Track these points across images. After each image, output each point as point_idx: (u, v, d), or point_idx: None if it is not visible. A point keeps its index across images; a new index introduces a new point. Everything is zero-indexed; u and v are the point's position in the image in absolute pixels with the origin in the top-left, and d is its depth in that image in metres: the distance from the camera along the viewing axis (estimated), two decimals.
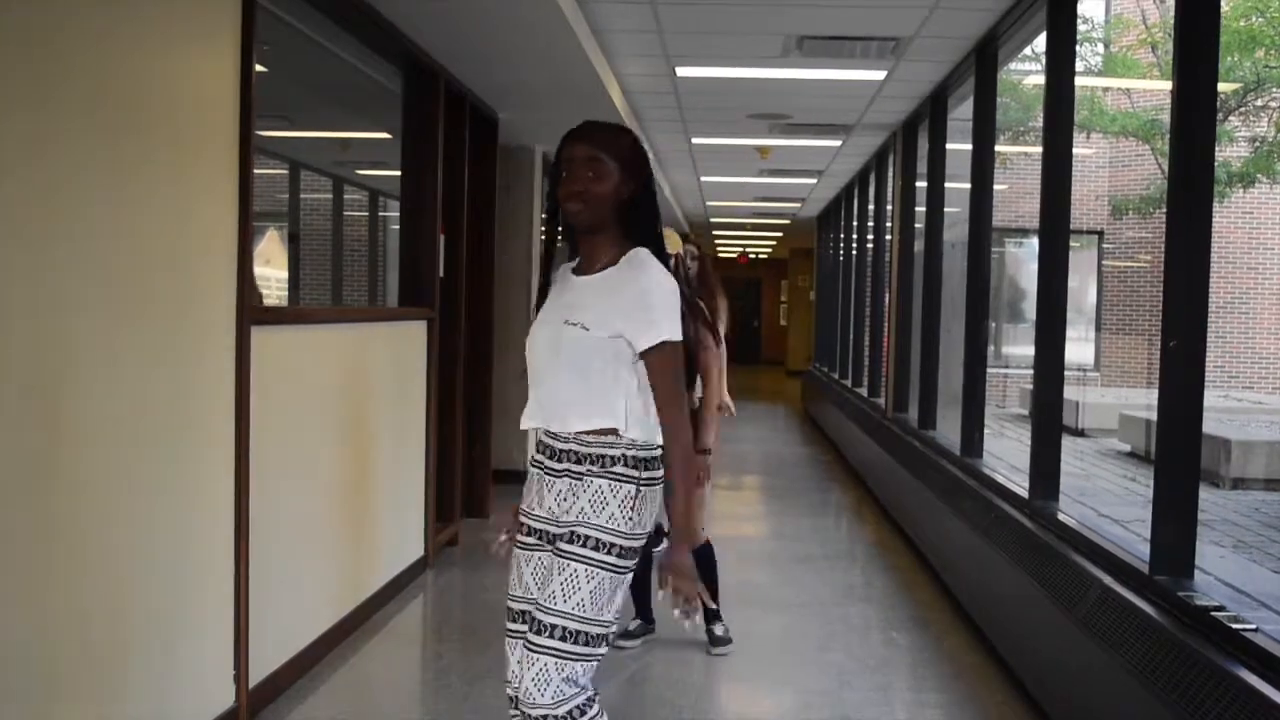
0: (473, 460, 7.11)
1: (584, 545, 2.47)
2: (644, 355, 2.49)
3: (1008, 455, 6.85)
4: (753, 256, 26.88)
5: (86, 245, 2.82)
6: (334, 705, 4.03)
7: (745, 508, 8.64)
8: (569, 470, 2.53)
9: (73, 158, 2.76)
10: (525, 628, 2.53)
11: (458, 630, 5.16)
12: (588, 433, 2.50)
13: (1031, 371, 4.89)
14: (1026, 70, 8.69)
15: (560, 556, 2.49)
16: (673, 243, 4.67)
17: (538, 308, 2.64)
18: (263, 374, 3.74)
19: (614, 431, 2.49)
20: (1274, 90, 13.52)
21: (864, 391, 10.80)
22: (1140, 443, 10.42)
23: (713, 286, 6.29)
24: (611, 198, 2.51)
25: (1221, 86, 12.18)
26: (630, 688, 4.29)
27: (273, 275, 8.56)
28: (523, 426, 2.65)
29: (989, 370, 6.24)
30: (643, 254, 2.54)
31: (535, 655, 2.44)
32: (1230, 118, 13.44)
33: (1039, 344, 4.76)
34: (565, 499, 2.54)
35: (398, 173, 5.90)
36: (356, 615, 4.81)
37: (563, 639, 2.43)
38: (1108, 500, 8.13)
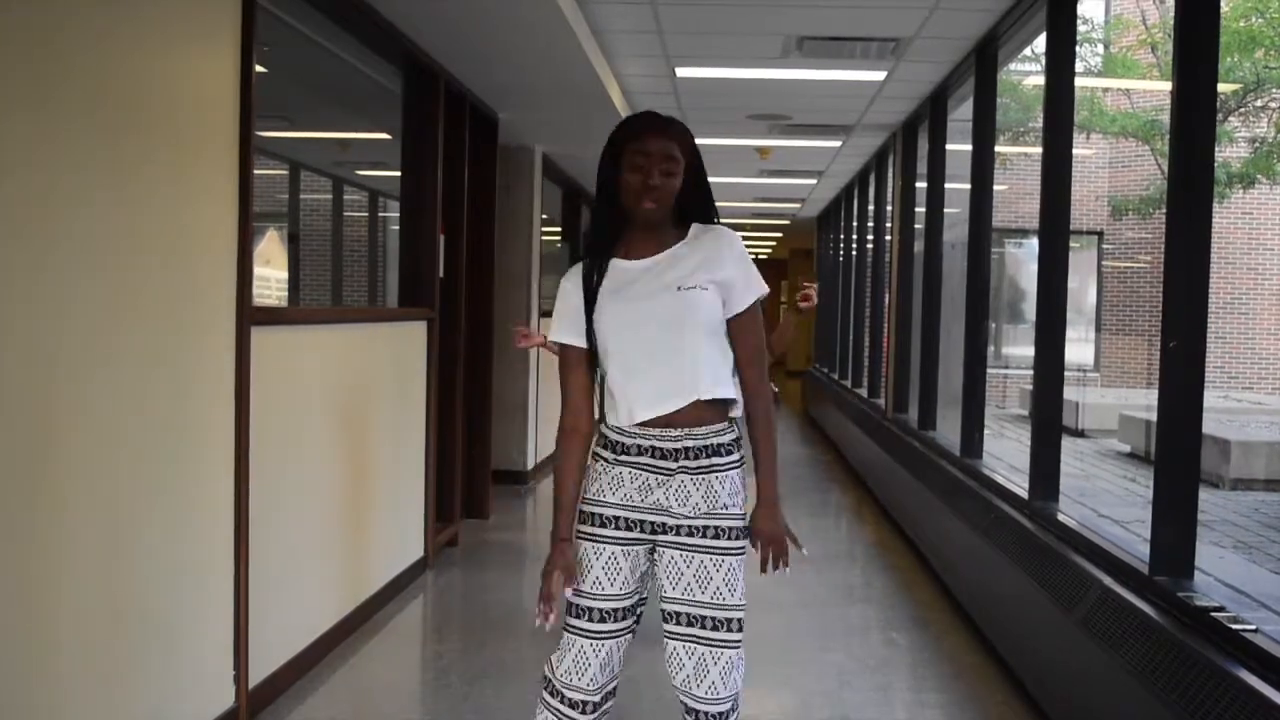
0: (473, 460, 7.11)
1: (731, 538, 2.51)
2: (740, 314, 2.57)
3: (1008, 456, 6.85)
4: (752, 256, 26.86)
5: (86, 245, 2.83)
6: (334, 706, 4.03)
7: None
8: (685, 468, 2.49)
9: (72, 158, 2.76)
10: (620, 626, 2.52)
11: (458, 630, 5.16)
12: (700, 423, 2.48)
13: (1031, 372, 4.89)
14: (1026, 71, 8.69)
15: (709, 553, 2.49)
16: None
17: (591, 299, 2.51)
18: (263, 374, 3.74)
19: (726, 411, 2.52)
20: (1274, 91, 13.52)
21: (864, 392, 10.80)
22: (1140, 443, 10.42)
23: None
24: (677, 193, 2.57)
25: (1221, 87, 12.19)
26: (630, 687, 4.29)
27: (273, 275, 8.55)
28: (640, 419, 2.49)
29: (989, 371, 6.25)
30: (713, 225, 2.64)
31: (720, 650, 2.48)
32: (1230, 118, 13.44)
33: (1039, 344, 4.76)
34: (689, 494, 2.50)
35: (398, 173, 5.90)
36: (356, 615, 4.81)
37: (739, 630, 2.51)
38: (1107, 501, 8.13)
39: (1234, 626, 2.93)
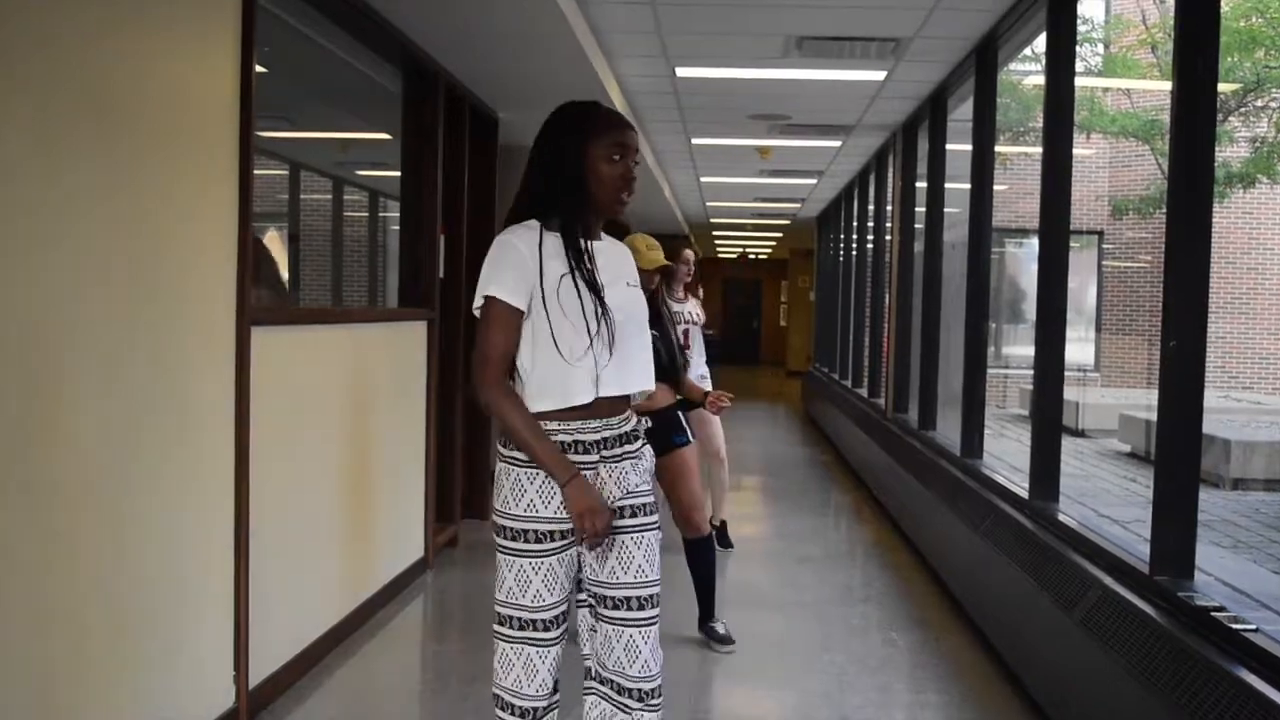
0: (473, 461, 7.11)
1: (646, 514, 2.57)
2: None
3: (1008, 456, 6.85)
4: (753, 257, 26.89)
5: (86, 245, 2.83)
6: (334, 706, 4.03)
7: (745, 508, 8.63)
8: (604, 458, 2.52)
9: (73, 157, 2.76)
10: (562, 630, 2.55)
11: (458, 631, 5.16)
12: (615, 413, 2.53)
13: (1031, 372, 4.89)
14: (1026, 71, 8.69)
15: (627, 532, 2.53)
16: (653, 257, 4.66)
17: (582, 273, 2.49)
18: (263, 375, 3.74)
19: (628, 402, 2.60)
20: (1274, 91, 13.52)
21: (864, 392, 10.80)
22: (1140, 443, 10.42)
23: (698, 289, 6.62)
24: None
25: (1221, 87, 12.18)
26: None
27: None
28: (587, 399, 2.47)
29: (989, 371, 6.25)
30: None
31: (648, 628, 2.52)
32: (1230, 118, 13.44)
33: (1039, 344, 4.76)
34: (605, 482, 2.53)
35: (398, 173, 5.90)
36: (356, 616, 4.81)
37: (658, 605, 2.56)
38: (1108, 501, 8.13)
39: (1234, 626, 2.93)
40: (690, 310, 6.41)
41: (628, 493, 2.55)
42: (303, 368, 4.28)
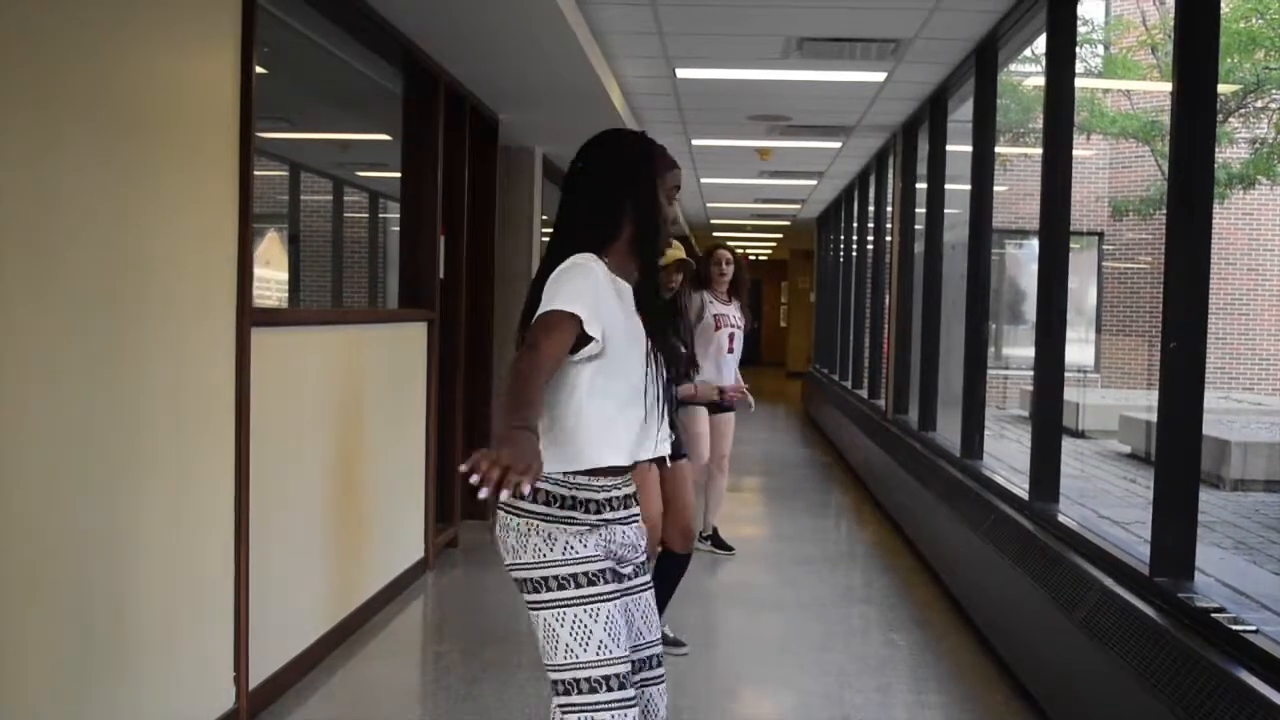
0: None
1: (649, 573, 2.50)
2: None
3: (1008, 457, 6.85)
4: (753, 258, 26.90)
5: (86, 246, 2.83)
6: (334, 707, 4.03)
7: (746, 509, 8.63)
8: (605, 520, 2.33)
9: (73, 159, 2.76)
10: (635, 693, 2.32)
11: (458, 632, 5.16)
12: (625, 472, 2.37)
13: (1031, 373, 4.89)
14: (1026, 72, 8.69)
15: (645, 590, 2.45)
16: (679, 252, 4.66)
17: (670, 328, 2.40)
18: (263, 375, 3.74)
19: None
20: (1274, 92, 13.52)
21: (864, 393, 10.80)
22: (1140, 444, 10.42)
23: (747, 289, 6.47)
24: None
25: (1221, 88, 12.18)
26: None
27: (273, 276, 8.55)
28: (614, 462, 2.30)
29: (989, 372, 6.25)
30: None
31: (664, 686, 2.47)
32: (1230, 119, 13.44)
33: (1039, 345, 4.76)
34: (625, 540, 2.39)
35: (398, 174, 5.90)
36: (356, 617, 4.81)
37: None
38: (1108, 502, 8.13)
39: (1234, 627, 2.93)
40: (733, 314, 6.32)
41: (625, 557, 2.40)
42: (303, 369, 4.28)
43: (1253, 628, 2.92)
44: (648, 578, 2.47)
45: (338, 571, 4.65)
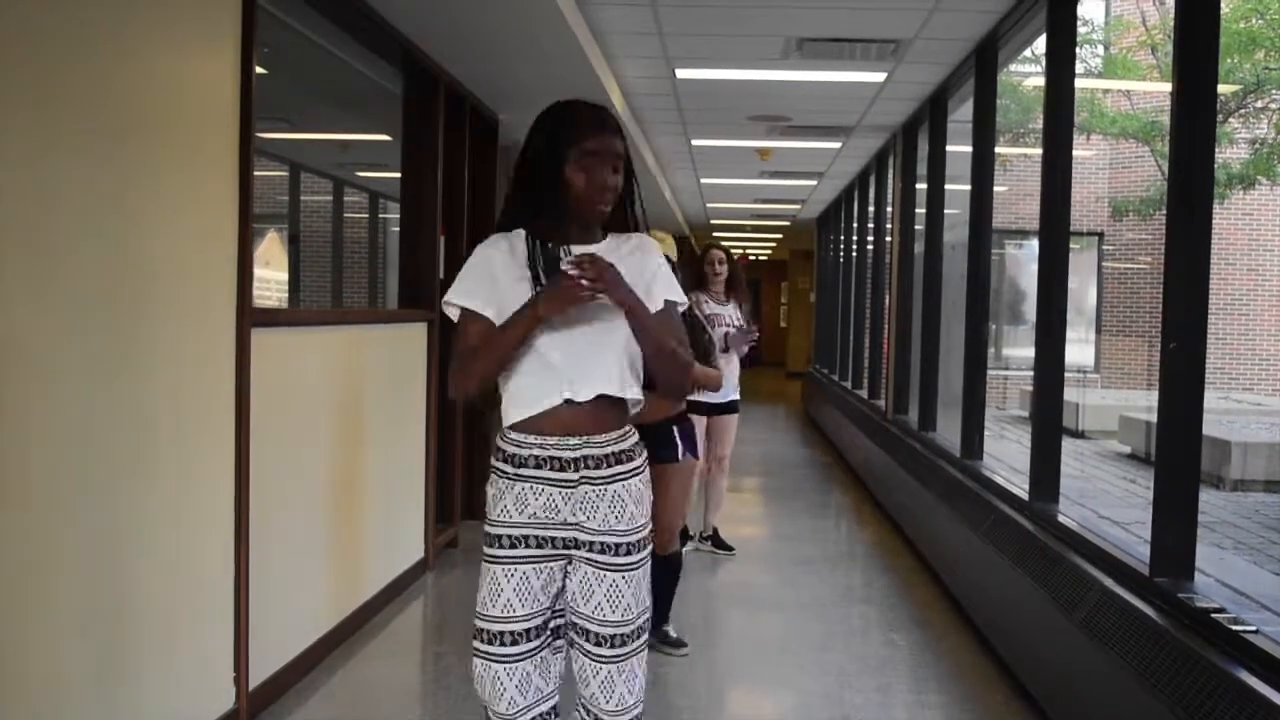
0: (473, 462, 7.10)
1: (639, 550, 2.46)
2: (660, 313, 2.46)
3: (1008, 457, 6.85)
4: (753, 258, 26.90)
5: (86, 246, 2.83)
6: (334, 707, 4.03)
7: (746, 509, 8.63)
8: (588, 479, 2.41)
9: (73, 159, 2.76)
10: (532, 645, 2.42)
11: (458, 632, 5.16)
12: (599, 430, 2.40)
13: (1031, 373, 4.89)
14: (1026, 72, 8.70)
15: (620, 571, 2.42)
16: (667, 245, 4.66)
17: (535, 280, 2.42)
18: (263, 376, 3.74)
19: (625, 416, 2.46)
20: (1274, 92, 13.52)
21: (864, 393, 10.80)
22: (1140, 444, 10.42)
23: (743, 287, 6.43)
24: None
25: (1221, 88, 12.19)
26: None
27: (273, 277, 8.55)
28: (550, 405, 2.40)
29: (989, 372, 6.25)
30: (633, 234, 2.55)
31: (625, 662, 2.43)
32: (1230, 119, 13.44)
33: (1039, 345, 4.76)
34: (596, 507, 2.42)
35: (398, 174, 5.90)
36: (356, 617, 4.81)
37: (642, 635, 2.48)
38: (1108, 502, 8.13)
39: (1234, 628, 2.93)
40: (730, 314, 6.29)
41: (617, 526, 2.42)
42: (303, 369, 4.28)
43: (1253, 628, 2.92)
44: (618, 560, 2.42)
45: (338, 572, 4.65)
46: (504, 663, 2.41)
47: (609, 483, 2.42)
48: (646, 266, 2.48)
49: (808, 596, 5.69)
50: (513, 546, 2.42)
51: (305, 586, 4.31)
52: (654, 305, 2.44)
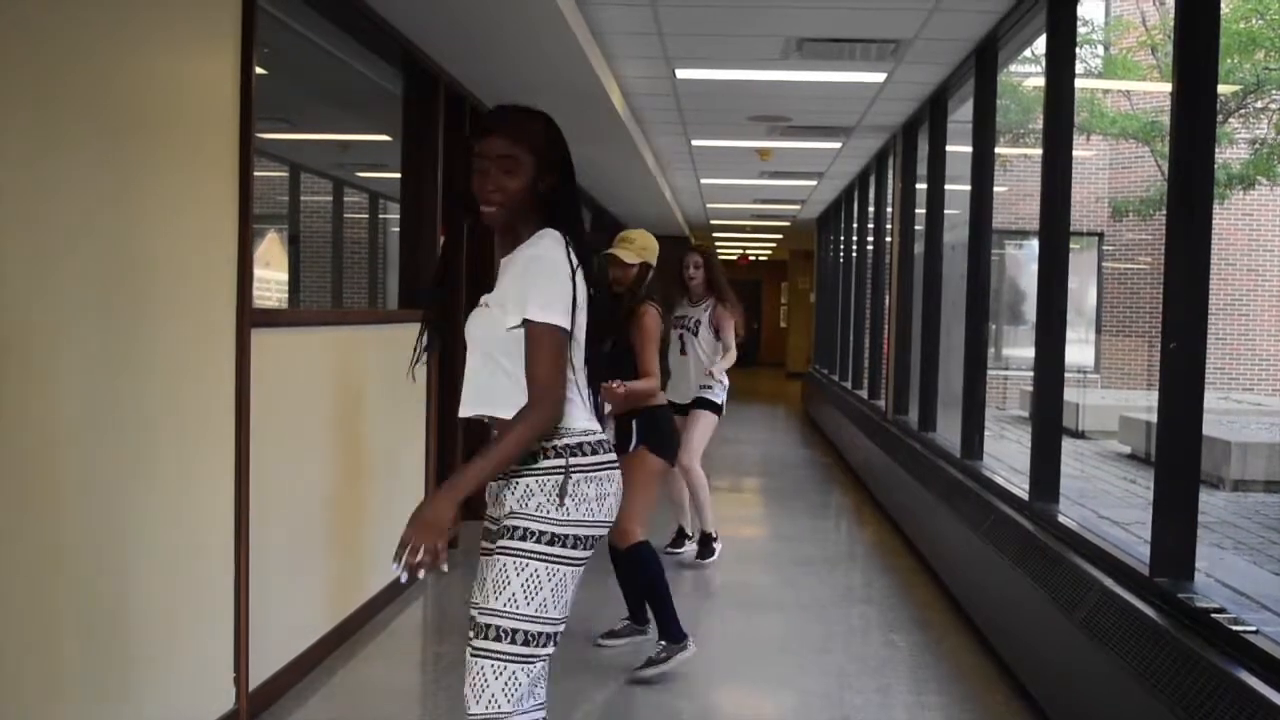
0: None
1: (511, 537, 2.39)
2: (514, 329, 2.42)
3: (1008, 457, 6.85)
4: (753, 258, 26.90)
5: (87, 246, 2.83)
6: (334, 707, 4.03)
7: (745, 509, 8.64)
8: (512, 472, 2.46)
9: (73, 159, 2.76)
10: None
11: (458, 632, 5.15)
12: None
13: (1031, 373, 4.89)
14: (1026, 72, 8.69)
15: (493, 554, 2.43)
16: (632, 246, 4.64)
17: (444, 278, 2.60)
18: (263, 376, 3.74)
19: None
20: (1273, 92, 13.52)
21: (864, 393, 10.80)
22: (1140, 445, 10.42)
23: (725, 290, 6.31)
24: (528, 193, 2.44)
25: (1221, 88, 12.19)
26: (629, 689, 4.29)
27: (273, 277, 8.55)
28: (463, 414, 2.58)
29: (989, 372, 6.25)
30: (546, 232, 2.47)
31: (473, 659, 2.34)
32: (1230, 120, 13.44)
33: (1039, 346, 4.76)
34: (502, 498, 2.49)
35: (398, 175, 5.90)
36: (356, 617, 4.81)
37: (499, 639, 2.32)
38: (1108, 502, 8.13)
39: (1234, 628, 2.93)
40: (695, 316, 6.19)
41: (509, 512, 2.44)
42: (303, 369, 4.28)
43: (1253, 628, 2.92)
44: (517, 545, 2.40)
45: (338, 572, 4.65)
46: (545, 662, 2.39)
47: (508, 477, 2.47)
48: (513, 278, 2.48)
49: (808, 597, 5.68)
50: (590, 547, 2.43)
51: (305, 587, 4.31)
52: (508, 321, 2.44)
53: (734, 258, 26.41)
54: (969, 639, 4.90)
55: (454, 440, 6.40)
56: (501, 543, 2.40)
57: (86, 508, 2.86)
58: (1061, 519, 4.39)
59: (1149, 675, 3.04)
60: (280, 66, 5.16)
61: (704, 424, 6.25)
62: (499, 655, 2.32)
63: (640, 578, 4.45)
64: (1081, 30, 5.71)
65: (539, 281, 2.39)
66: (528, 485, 2.42)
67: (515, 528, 2.39)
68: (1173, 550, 3.39)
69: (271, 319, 4.06)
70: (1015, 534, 4.56)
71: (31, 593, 2.66)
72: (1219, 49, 3.43)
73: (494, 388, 2.47)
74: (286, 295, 8.38)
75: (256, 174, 3.68)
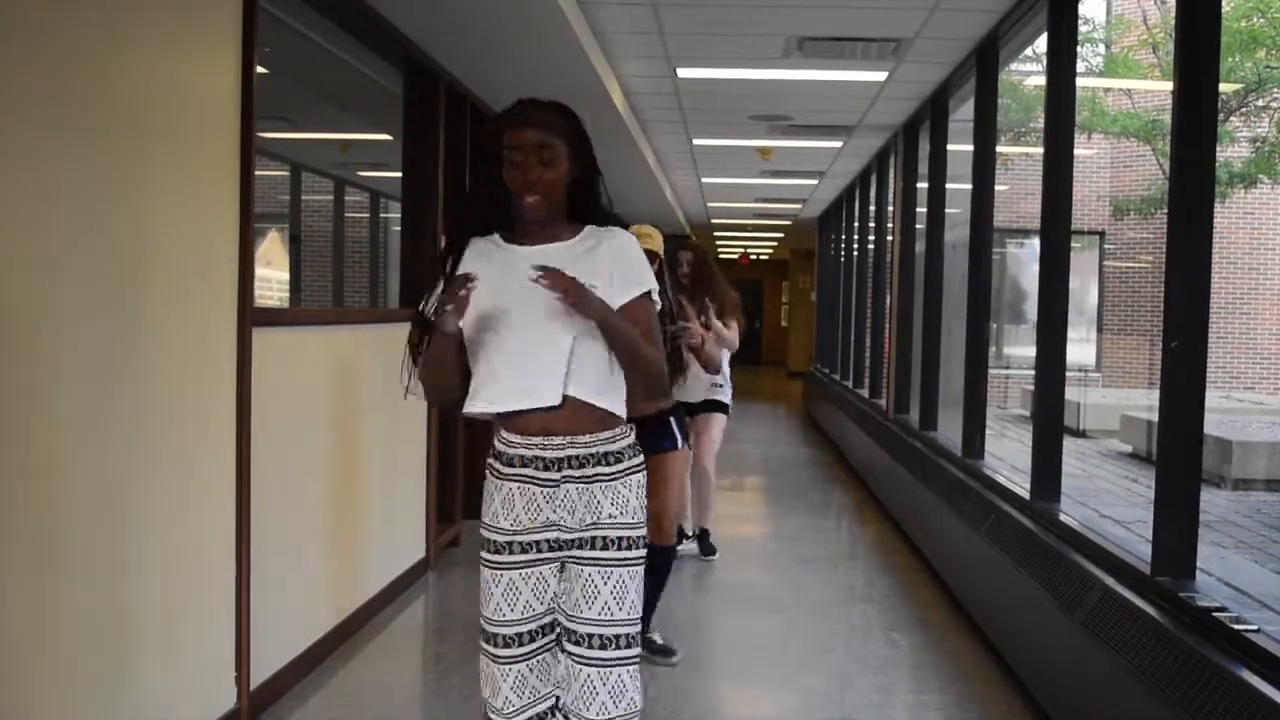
0: (474, 461, 7.10)
1: (619, 548, 2.45)
2: (629, 305, 2.44)
3: (1009, 456, 6.85)
4: (754, 257, 26.90)
5: (87, 246, 2.83)
6: (335, 707, 4.03)
7: (747, 509, 8.64)
8: (569, 477, 2.42)
9: (74, 159, 2.76)
10: (526, 649, 2.44)
11: (459, 632, 5.15)
12: (582, 431, 2.40)
13: (1032, 372, 4.89)
14: (1027, 71, 8.69)
15: (595, 565, 2.43)
16: (653, 240, 4.64)
17: (451, 281, 2.38)
18: (264, 375, 3.74)
19: (612, 419, 2.45)
20: (1275, 91, 13.51)
21: (865, 393, 10.80)
22: (1142, 444, 10.42)
23: (718, 285, 6.28)
24: (563, 184, 2.45)
25: (1223, 87, 12.16)
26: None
27: (274, 276, 8.55)
28: (491, 409, 2.44)
29: (990, 371, 6.24)
30: (616, 229, 2.52)
31: (609, 670, 2.42)
32: (1231, 118, 13.44)
33: (1040, 345, 4.76)
34: (575, 504, 2.43)
35: (399, 174, 5.90)
36: (358, 617, 4.81)
37: (630, 645, 2.45)
38: (1109, 501, 8.13)
39: (1236, 627, 2.93)
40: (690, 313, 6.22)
41: (595, 521, 2.43)
42: (304, 368, 4.28)
43: (1254, 627, 2.91)
44: (630, 554, 2.44)
45: (338, 571, 4.65)
46: (500, 663, 2.47)
47: (589, 482, 2.42)
48: (610, 259, 2.45)
49: (809, 596, 5.68)
50: (497, 552, 2.47)
51: (306, 586, 4.31)
52: (620, 298, 2.42)
53: (735, 257, 26.42)
54: (970, 638, 4.90)
55: (455, 440, 6.40)
56: (612, 554, 2.44)
57: (87, 507, 2.86)
58: (1063, 518, 4.39)
59: (1150, 674, 3.03)
60: (281, 66, 5.16)
61: (719, 425, 6.35)
62: (633, 660, 2.46)
63: (659, 575, 4.50)
64: (1083, 29, 5.72)
65: (642, 263, 2.51)
66: (618, 489, 2.46)
67: (622, 538, 2.45)
68: (1174, 549, 3.39)
69: (273, 318, 4.06)
70: (1017, 533, 4.56)
71: (32, 592, 2.66)
72: (1220, 47, 3.42)
73: (601, 371, 2.44)
74: (288, 294, 8.38)
75: (257, 173, 3.68)
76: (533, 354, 2.40)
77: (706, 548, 6.41)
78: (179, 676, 3.32)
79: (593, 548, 2.43)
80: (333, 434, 4.56)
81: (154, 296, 3.13)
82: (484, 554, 2.48)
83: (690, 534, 6.53)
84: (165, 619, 3.24)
